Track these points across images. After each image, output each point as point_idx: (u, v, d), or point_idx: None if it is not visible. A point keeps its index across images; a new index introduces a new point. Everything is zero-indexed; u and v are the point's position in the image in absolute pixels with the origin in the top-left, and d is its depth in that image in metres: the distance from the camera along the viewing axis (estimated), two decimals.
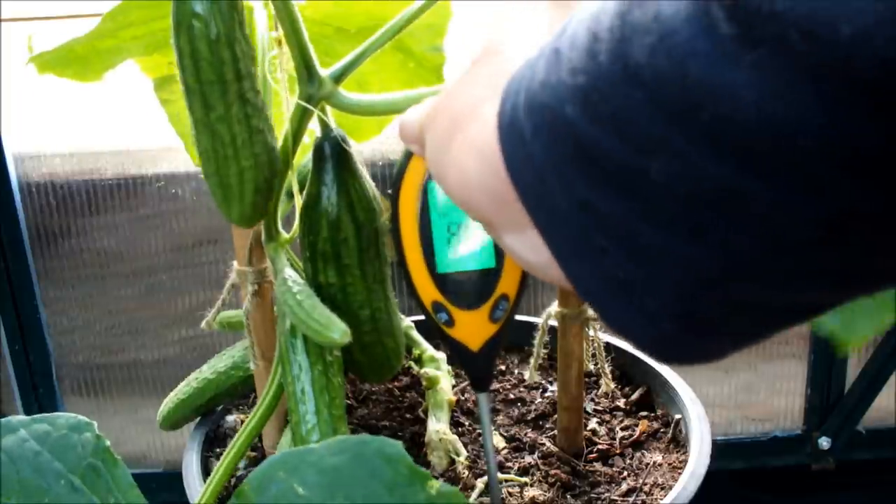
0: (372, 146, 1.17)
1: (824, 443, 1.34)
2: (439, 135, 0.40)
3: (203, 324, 0.77)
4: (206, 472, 0.73)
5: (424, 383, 0.78)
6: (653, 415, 0.79)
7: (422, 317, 0.59)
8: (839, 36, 0.23)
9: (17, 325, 1.26)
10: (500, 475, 0.71)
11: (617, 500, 0.68)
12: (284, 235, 0.66)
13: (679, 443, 0.74)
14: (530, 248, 0.36)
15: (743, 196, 0.26)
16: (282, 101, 0.66)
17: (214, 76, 0.56)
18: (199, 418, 0.81)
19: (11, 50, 1.10)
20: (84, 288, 1.26)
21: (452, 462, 0.72)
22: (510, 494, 0.69)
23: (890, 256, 0.27)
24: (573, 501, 0.69)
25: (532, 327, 0.76)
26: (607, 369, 0.78)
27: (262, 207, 0.62)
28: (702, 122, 0.26)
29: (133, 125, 1.19)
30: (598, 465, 0.73)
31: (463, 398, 0.81)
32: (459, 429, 0.78)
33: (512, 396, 0.82)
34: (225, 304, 0.76)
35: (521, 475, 0.71)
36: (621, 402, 0.80)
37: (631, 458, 0.73)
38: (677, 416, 0.75)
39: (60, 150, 1.20)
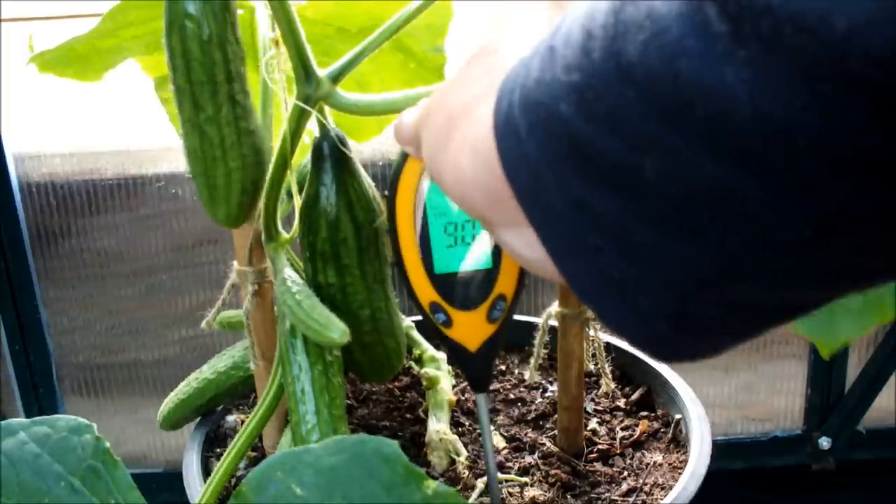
0: (372, 146, 1.17)
1: (824, 443, 1.34)
2: (435, 133, 0.40)
3: (203, 324, 0.77)
4: (206, 472, 0.73)
5: (425, 383, 0.78)
6: (653, 415, 0.79)
7: (422, 317, 0.59)
8: (833, 32, 0.23)
9: (18, 325, 1.26)
10: (500, 475, 0.71)
11: (617, 500, 0.68)
12: (284, 235, 0.66)
13: (679, 443, 0.74)
14: (526, 245, 0.36)
15: (736, 195, 0.27)
16: (280, 102, 0.66)
17: (205, 77, 0.56)
18: (199, 418, 0.81)
19: (11, 50, 1.10)
20: (84, 288, 1.26)
21: (453, 462, 0.72)
22: (510, 494, 0.69)
23: (882, 255, 0.27)
24: (573, 501, 0.69)
25: (532, 327, 0.76)
26: (607, 369, 0.78)
27: (248, 209, 0.63)
28: (695, 120, 0.26)
29: (133, 125, 1.19)
30: (598, 465, 0.73)
31: (463, 398, 0.81)
32: (460, 429, 0.78)
33: (512, 396, 0.82)
34: (225, 304, 0.76)
35: (521, 475, 0.71)
36: (621, 402, 0.80)
37: (631, 458, 0.73)
38: (677, 416, 0.75)
39: (60, 150, 1.20)
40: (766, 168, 0.26)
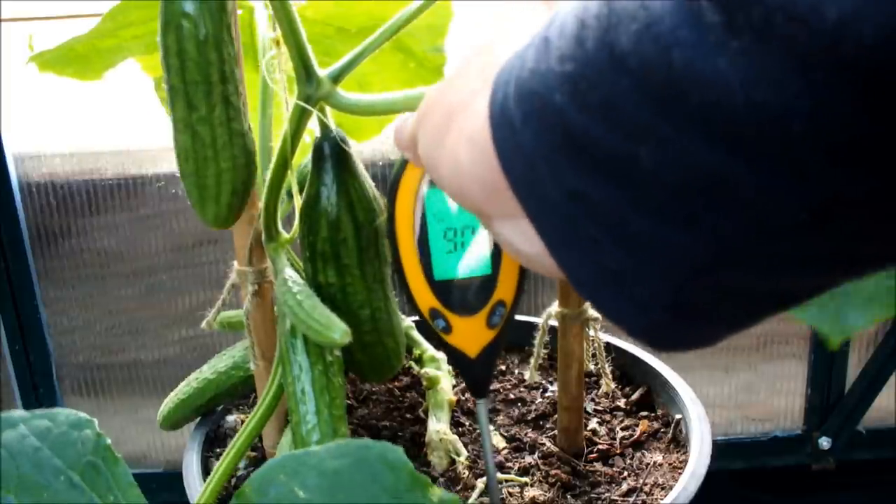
0: (372, 146, 1.17)
1: (824, 443, 1.34)
2: (432, 129, 0.40)
3: (203, 324, 0.77)
4: (206, 472, 0.73)
5: (425, 383, 0.78)
6: (653, 415, 0.79)
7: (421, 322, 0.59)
8: (825, 20, 0.23)
9: (18, 325, 1.26)
10: (500, 475, 0.71)
11: (617, 500, 0.68)
12: (284, 235, 0.66)
13: (679, 443, 0.74)
14: (523, 238, 0.36)
15: (730, 182, 0.27)
16: (281, 102, 0.66)
17: (200, 77, 0.56)
18: (199, 418, 0.81)
19: (11, 50, 1.10)
20: (84, 288, 1.26)
21: (453, 462, 0.72)
22: (510, 494, 0.69)
23: (876, 242, 0.27)
24: (573, 501, 0.69)
25: (532, 327, 0.76)
26: (607, 369, 0.78)
27: (236, 209, 0.63)
28: (689, 110, 0.26)
29: (133, 125, 1.19)
30: (598, 465, 0.73)
31: (463, 398, 0.81)
32: (460, 429, 0.78)
33: (512, 396, 0.82)
34: (225, 304, 0.76)
35: (521, 475, 0.71)
36: (622, 402, 0.80)
37: (631, 458, 0.73)
38: (677, 416, 0.75)
39: (60, 150, 1.20)
40: (760, 155, 0.26)
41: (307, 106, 0.59)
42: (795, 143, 0.25)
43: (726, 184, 0.27)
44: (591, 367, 0.77)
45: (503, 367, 0.87)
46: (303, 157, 0.71)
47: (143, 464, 1.35)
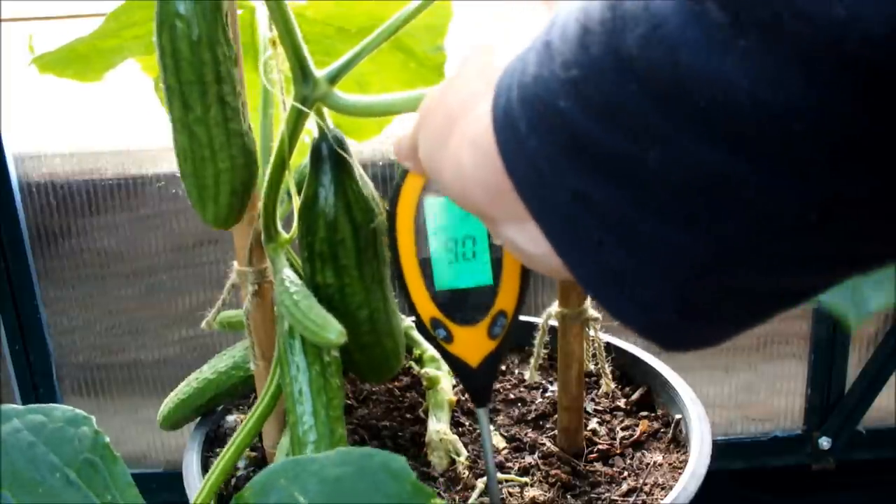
0: (372, 146, 1.17)
1: (824, 443, 1.34)
2: (433, 133, 0.40)
3: (203, 324, 0.77)
4: (206, 472, 0.73)
5: (425, 383, 0.78)
6: (653, 415, 0.78)
7: (422, 332, 0.59)
8: (832, 17, 0.23)
9: (18, 325, 1.26)
10: (500, 475, 0.71)
11: (617, 500, 0.68)
12: (284, 236, 0.66)
13: (679, 443, 0.74)
14: (528, 239, 0.36)
15: (733, 182, 0.27)
16: (278, 103, 0.66)
17: (194, 77, 0.56)
18: (199, 418, 0.81)
19: (11, 50, 1.10)
20: (84, 288, 1.26)
21: (453, 462, 0.72)
22: (510, 494, 0.69)
23: (878, 240, 0.28)
24: (573, 501, 0.69)
25: (532, 327, 0.76)
26: (607, 369, 0.78)
27: (237, 210, 0.63)
28: (696, 110, 0.26)
29: (133, 125, 1.19)
30: (598, 465, 0.73)
31: (463, 398, 0.81)
32: (460, 429, 0.78)
33: (512, 396, 0.82)
34: (225, 304, 0.76)
35: (521, 475, 0.71)
36: (622, 402, 0.80)
37: (631, 458, 0.73)
38: (677, 416, 0.75)
39: (60, 150, 1.20)
40: (765, 155, 0.26)
41: (303, 107, 0.59)
42: (798, 142, 0.25)
43: (729, 184, 0.27)
44: (591, 367, 0.77)
45: (503, 367, 0.87)
46: (303, 158, 0.71)
47: (143, 464, 1.35)
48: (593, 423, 0.78)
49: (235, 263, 0.72)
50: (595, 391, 0.82)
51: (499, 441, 0.76)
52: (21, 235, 1.22)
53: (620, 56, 0.27)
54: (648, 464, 0.72)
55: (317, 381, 0.60)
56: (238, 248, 0.71)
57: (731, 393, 1.35)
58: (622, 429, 0.77)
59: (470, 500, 0.68)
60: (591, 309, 0.72)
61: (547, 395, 0.82)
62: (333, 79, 0.59)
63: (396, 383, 0.83)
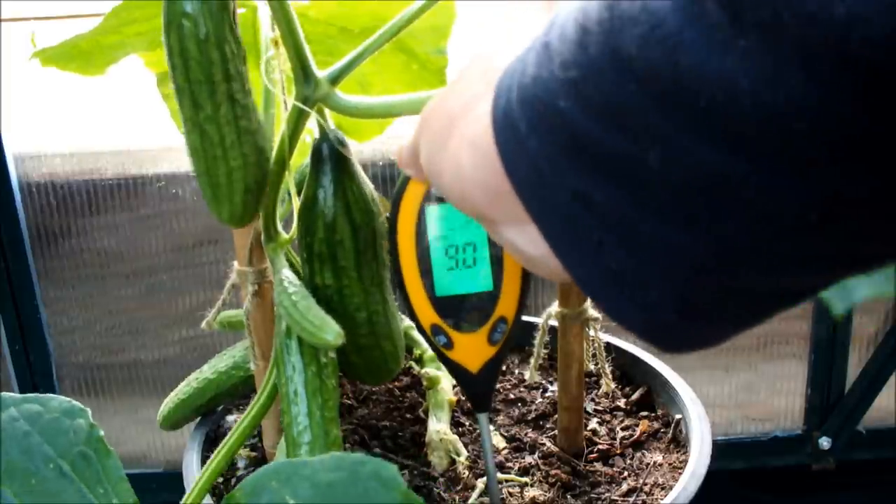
0: (372, 146, 1.17)
1: (825, 443, 1.34)
2: (434, 136, 0.40)
3: (203, 324, 0.77)
4: None
5: (425, 383, 0.78)
6: (653, 415, 0.79)
7: (423, 338, 0.60)
8: (833, 16, 0.23)
9: (18, 325, 1.26)
10: (500, 475, 0.71)
11: (617, 500, 0.68)
12: (284, 236, 0.66)
13: (679, 443, 0.74)
14: (529, 241, 0.36)
15: (735, 181, 0.27)
16: (280, 102, 0.66)
17: (203, 76, 0.56)
18: (199, 418, 0.81)
19: (11, 50, 1.10)
20: (84, 288, 1.26)
21: (453, 462, 0.72)
22: (510, 494, 0.69)
23: (877, 241, 0.28)
24: (573, 501, 0.69)
25: (532, 327, 0.76)
26: (608, 369, 0.78)
27: (252, 207, 0.63)
28: (696, 111, 0.26)
29: (133, 125, 1.19)
30: (598, 465, 0.73)
31: (463, 398, 0.81)
32: (460, 429, 0.78)
33: (512, 396, 0.82)
34: (225, 304, 0.76)
35: (521, 475, 0.71)
36: (622, 402, 0.80)
37: (631, 458, 0.73)
38: (678, 416, 0.75)
39: (60, 150, 1.20)
40: (765, 154, 0.26)
41: (305, 107, 0.59)
42: (798, 141, 0.25)
43: (729, 183, 0.27)
44: (591, 367, 0.77)
45: (503, 367, 0.87)
46: (304, 158, 0.71)
47: (143, 464, 1.35)
48: (593, 423, 0.78)
49: (235, 263, 0.72)
50: (595, 391, 0.82)
51: (499, 441, 0.76)
52: (21, 235, 1.22)
53: (619, 56, 0.27)
54: (648, 464, 0.72)
55: (313, 382, 0.60)
56: (238, 248, 0.71)
57: (731, 393, 1.35)
58: (622, 429, 0.77)
59: (470, 500, 0.68)
60: (591, 309, 0.72)
61: (547, 395, 0.82)
62: (335, 79, 0.59)
63: (396, 383, 0.83)
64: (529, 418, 0.79)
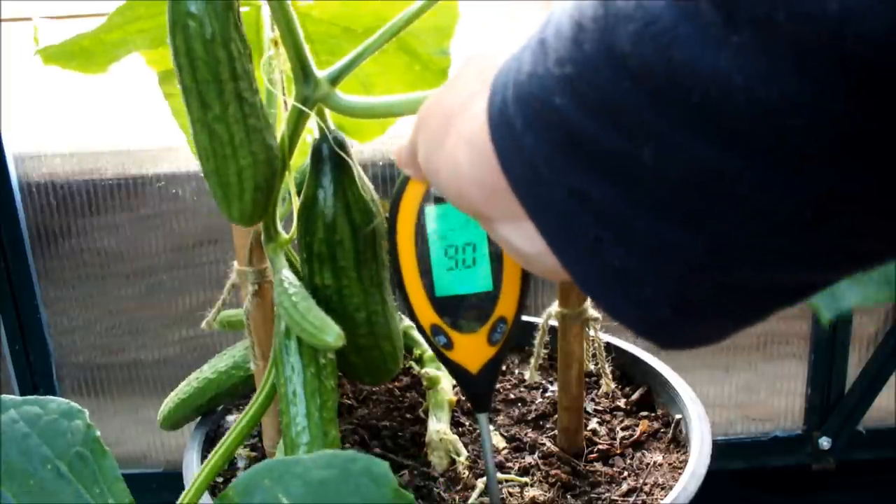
0: (373, 146, 1.17)
1: (825, 443, 1.34)
2: (431, 134, 0.40)
3: (203, 324, 0.77)
4: None
5: (425, 383, 0.78)
6: (653, 415, 0.79)
7: (423, 339, 0.60)
8: (827, 13, 0.23)
9: (18, 325, 1.26)
10: (500, 475, 0.71)
11: (617, 500, 0.68)
12: (284, 236, 0.66)
13: (679, 443, 0.74)
14: (524, 239, 0.36)
15: (729, 178, 0.27)
16: (280, 103, 0.66)
17: (210, 76, 0.56)
18: (199, 418, 0.81)
19: (12, 50, 1.10)
20: (84, 288, 1.26)
21: (453, 462, 0.72)
22: (510, 494, 0.69)
23: (872, 239, 0.28)
24: (573, 501, 0.69)
25: (532, 327, 0.76)
26: (608, 369, 0.78)
27: (262, 206, 0.62)
28: (690, 107, 0.26)
29: (133, 125, 1.19)
30: (598, 465, 0.73)
31: (463, 398, 0.81)
32: (460, 429, 0.78)
33: (512, 396, 0.82)
34: (225, 304, 0.76)
35: (521, 475, 0.71)
36: (622, 402, 0.80)
37: (631, 458, 0.73)
38: (678, 416, 0.75)
39: (60, 150, 1.20)
40: (759, 151, 0.26)
41: (304, 108, 0.59)
42: (792, 138, 0.25)
43: (723, 180, 0.27)
44: (591, 367, 0.77)
45: (503, 367, 0.87)
46: (304, 157, 0.71)
47: (143, 464, 1.35)
48: (593, 423, 0.78)
49: (235, 263, 0.72)
50: (595, 391, 0.82)
51: (499, 441, 0.76)
52: (21, 235, 1.22)
53: (614, 53, 0.28)
54: (648, 464, 0.72)
55: (311, 382, 0.60)
56: (238, 248, 0.71)
57: (731, 393, 1.35)
58: (622, 429, 0.77)
59: (470, 501, 0.68)
60: (591, 309, 0.72)
61: (547, 395, 0.82)
62: (335, 80, 0.59)
63: (396, 383, 0.83)
64: (529, 418, 0.79)
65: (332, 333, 0.56)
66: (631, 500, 0.68)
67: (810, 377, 1.33)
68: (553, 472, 0.71)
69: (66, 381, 1.31)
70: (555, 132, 0.30)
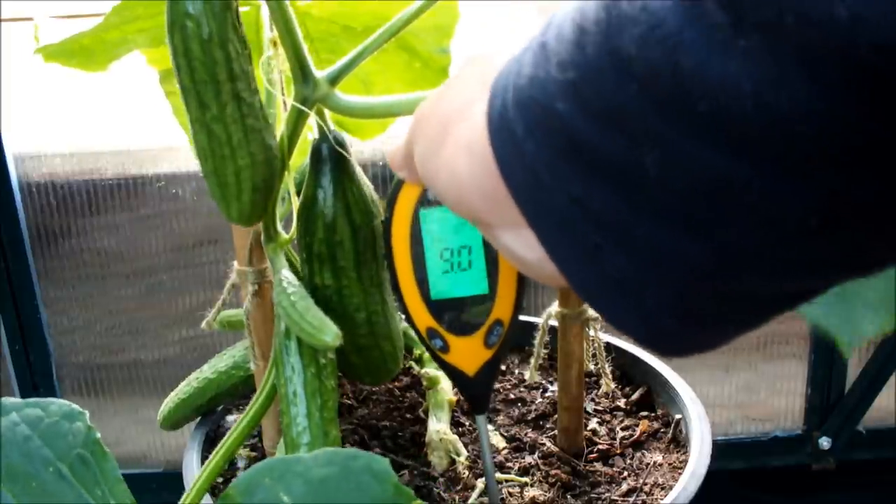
0: (373, 146, 1.17)
1: (825, 443, 1.34)
2: (428, 139, 0.40)
3: (203, 324, 0.77)
4: None
5: (425, 383, 0.78)
6: (653, 415, 0.79)
7: (419, 342, 0.59)
8: (836, 19, 0.23)
9: (18, 325, 1.26)
10: (500, 475, 0.71)
11: (617, 500, 0.68)
12: (283, 236, 0.66)
13: (679, 443, 0.74)
14: (525, 246, 0.36)
15: (736, 186, 0.27)
16: (279, 103, 0.66)
17: (208, 76, 0.56)
18: (199, 418, 0.81)
19: (12, 50, 1.10)
20: (84, 288, 1.26)
21: (453, 462, 0.72)
22: (510, 494, 0.69)
23: (880, 245, 0.27)
24: (573, 501, 0.69)
25: (532, 327, 0.76)
26: (607, 369, 0.78)
27: (261, 206, 0.62)
28: (696, 113, 0.26)
29: (133, 125, 1.19)
30: (598, 465, 0.73)
31: (462, 399, 0.81)
32: (460, 429, 0.78)
33: (512, 396, 0.82)
34: (225, 304, 0.76)
35: (521, 475, 0.71)
36: (621, 402, 0.80)
37: (631, 458, 0.73)
38: (677, 416, 0.75)
39: (60, 150, 1.20)
40: (767, 158, 0.26)
41: (303, 108, 0.58)
42: (802, 145, 0.25)
43: (732, 188, 0.27)
44: (591, 367, 0.77)
45: (503, 367, 0.87)
46: (304, 157, 0.71)
47: (143, 464, 1.35)
48: (593, 423, 0.78)
49: (235, 263, 0.72)
50: (595, 391, 0.82)
51: (499, 441, 0.76)
52: (21, 235, 1.22)
53: (618, 56, 0.27)
54: (648, 464, 0.72)
55: (312, 382, 0.60)
56: (238, 248, 0.71)
57: (731, 393, 1.35)
58: (622, 429, 0.77)
59: (470, 501, 0.68)
60: (590, 309, 0.72)
61: (547, 395, 0.82)
62: (334, 80, 0.59)
63: (396, 383, 0.83)
64: (529, 418, 0.79)
65: (330, 333, 0.56)
66: (631, 500, 0.68)
67: (810, 377, 1.33)
68: (553, 472, 0.71)
69: (66, 381, 1.31)
70: (556, 138, 0.30)
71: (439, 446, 0.73)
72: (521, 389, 0.83)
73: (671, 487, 0.66)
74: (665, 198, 0.28)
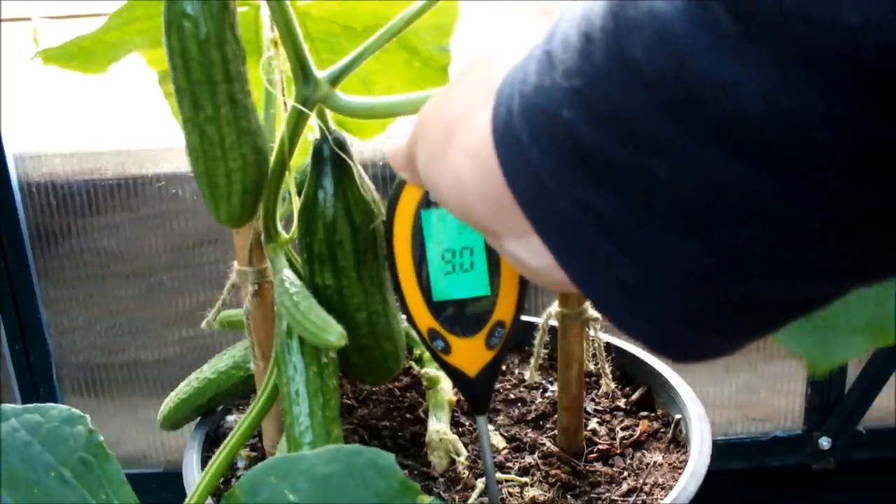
0: (373, 146, 1.17)
1: (825, 443, 1.34)
2: (431, 144, 0.39)
3: (203, 324, 0.77)
4: None
5: (425, 383, 0.78)
6: (653, 415, 0.79)
7: (421, 343, 0.59)
8: (847, 24, 0.23)
9: (18, 325, 1.26)
10: (500, 475, 0.71)
11: (617, 500, 0.68)
12: (284, 236, 0.66)
13: (679, 443, 0.74)
14: (532, 253, 0.35)
15: (746, 192, 0.26)
16: (279, 103, 0.66)
17: (204, 77, 0.56)
18: (199, 418, 0.81)
19: (11, 50, 1.10)
20: (84, 288, 1.26)
21: (453, 462, 0.72)
22: (510, 494, 0.69)
23: (888, 248, 0.27)
24: (573, 501, 0.69)
25: (532, 327, 0.76)
26: (608, 369, 0.78)
27: (250, 208, 0.63)
28: (707, 119, 0.26)
29: (134, 125, 1.19)
30: (598, 465, 0.73)
31: (463, 399, 0.81)
32: (460, 429, 0.78)
33: (512, 396, 0.82)
34: (225, 304, 0.76)
35: (521, 475, 0.71)
36: (621, 402, 0.80)
37: (631, 458, 0.73)
38: (677, 416, 0.75)
39: (60, 150, 1.20)
40: (779, 164, 0.25)
41: (304, 109, 0.58)
42: (816, 150, 0.25)
43: (740, 192, 0.26)
44: (591, 367, 0.77)
45: (503, 367, 0.87)
46: (305, 157, 0.71)
47: (143, 464, 1.35)
48: (593, 423, 0.78)
49: (235, 263, 0.72)
50: (595, 391, 0.82)
51: (499, 441, 0.76)
52: (21, 235, 1.22)
53: (625, 62, 0.27)
54: (648, 464, 0.72)
55: (314, 382, 0.60)
56: (238, 248, 0.71)
57: (731, 393, 1.35)
58: (622, 429, 0.77)
59: (470, 500, 0.68)
60: (591, 309, 0.72)
61: (547, 395, 0.82)
62: (335, 80, 0.59)
63: (396, 383, 0.83)
64: (529, 418, 0.79)
65: (334, 332, 0.56)
66: (631, 500, 0.68)
67: (810, 377, 1.33)
68: (553, 472, 0.71)
69: (66, 382, 1.31)
70: (562, 145, 0.30)
71: (439, 446, 0.73)
72: (521, 389, 0.83)
73: (671, 487, 0.66)
74: (672, 202, 0.28)
